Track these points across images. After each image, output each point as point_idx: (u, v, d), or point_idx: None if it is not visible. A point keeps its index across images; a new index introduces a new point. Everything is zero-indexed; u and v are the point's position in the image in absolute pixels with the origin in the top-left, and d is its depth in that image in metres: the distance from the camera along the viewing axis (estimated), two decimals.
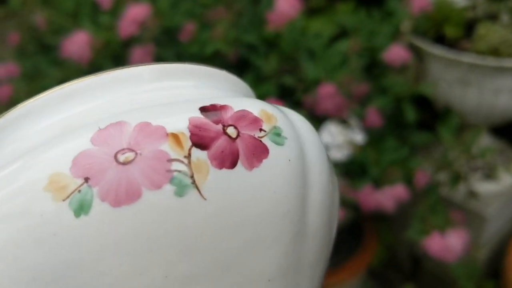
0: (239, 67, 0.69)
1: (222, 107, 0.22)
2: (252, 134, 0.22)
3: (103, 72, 0.24)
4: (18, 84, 0.62)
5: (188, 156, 0.20)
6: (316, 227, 0.24)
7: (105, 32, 0.60)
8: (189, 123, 0.21)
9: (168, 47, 0.64)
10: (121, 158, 0.19)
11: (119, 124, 0.20)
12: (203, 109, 0.22)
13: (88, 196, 0.19)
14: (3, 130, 0.22)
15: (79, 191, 0.19)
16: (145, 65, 0.25)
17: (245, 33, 0.66)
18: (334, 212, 0.26)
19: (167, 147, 0.20)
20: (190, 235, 0.20)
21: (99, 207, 0.19)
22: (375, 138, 0.69)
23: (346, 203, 0.66)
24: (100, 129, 0.20)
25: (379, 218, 0.86)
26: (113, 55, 0.60)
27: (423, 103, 0.71)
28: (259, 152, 0.22)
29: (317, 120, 0.67)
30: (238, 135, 0.21)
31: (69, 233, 0.18)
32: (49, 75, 0.60)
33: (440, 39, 0.72)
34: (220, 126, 0.21)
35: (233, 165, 0.21)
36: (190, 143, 0.20)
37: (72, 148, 0.19)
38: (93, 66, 0.59)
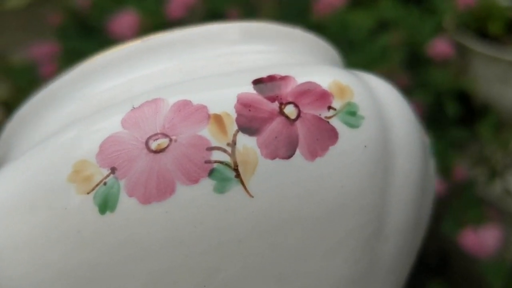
0: None
1: (283, 79, 0.18)
2: (317, 114, 0.17)
3: (170, 31, 0.21)
4: (61, 63, 0.62)
5: (233, 143, 0.16)
6: (399, 228, 0.19)
7: (151, 13, 0.59)
8: (237, 100, 0.17)
9: None
10: (153, 145, 0.16)
11: (155, 102, 0.17)
12: (258, 82, 0.17)
13: (114, 189, 0.16)
14: (69, 85, 0.20)
15: (105, 183, 0.16)
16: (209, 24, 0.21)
17: (289, 21, 0.64)
18: (425, 206, 0.21)
19: (207, 132, 0.16)
20: (233, 239, 0.16)
21: (126, 203, 0.16)
22: None
23: None
24: (133, 108, 0.17)
25: None
26: None
27: (461, 100, 0.72)
28: (325, 137, 0.17)
29: None
30: (298, 116, 0.17)
31: (93, 232, 0.16)
32: (90, 56, 0.60)
33: (482, 36, 0.72)
34: (276, 105, 0.17)
35: (289, 154, 0.17)
36: (235, 127, 0.16)
37: (101, 131, 0.17)
38: None
